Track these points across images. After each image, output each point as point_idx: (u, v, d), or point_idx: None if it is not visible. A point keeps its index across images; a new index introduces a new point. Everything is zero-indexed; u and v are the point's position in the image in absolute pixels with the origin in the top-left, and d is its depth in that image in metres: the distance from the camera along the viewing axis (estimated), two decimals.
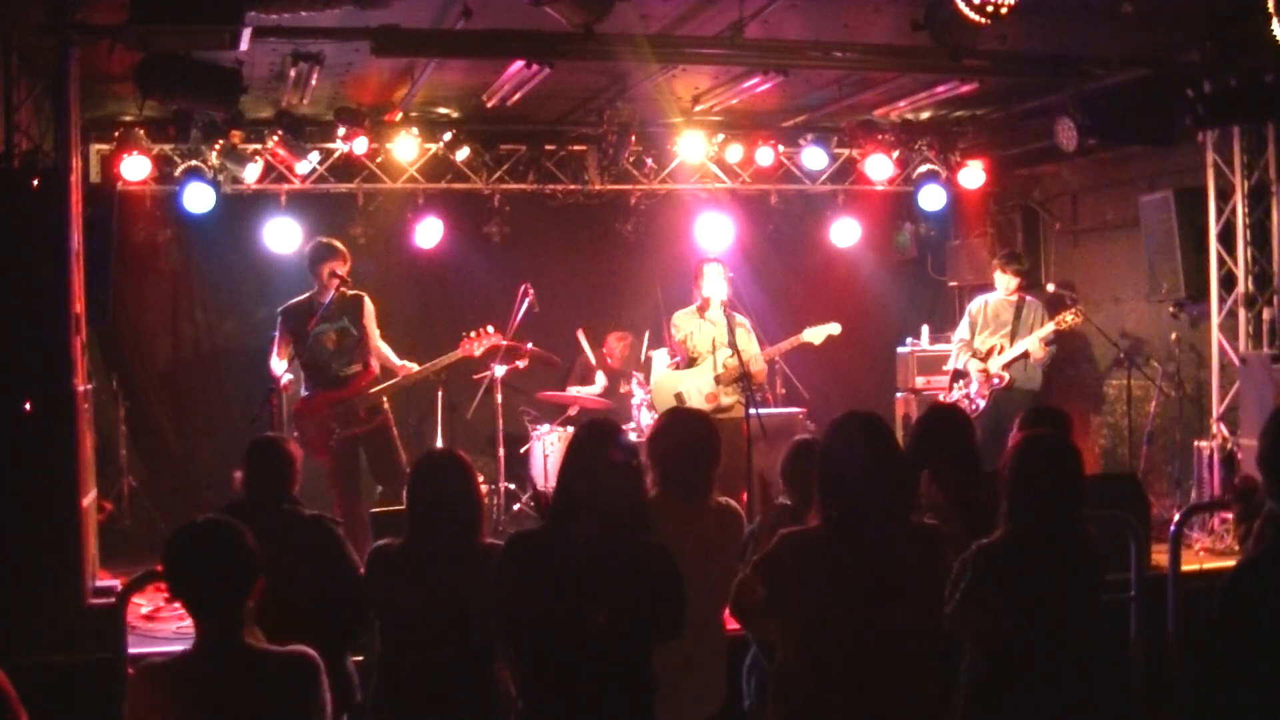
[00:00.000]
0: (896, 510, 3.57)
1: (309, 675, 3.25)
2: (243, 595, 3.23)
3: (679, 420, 4.51)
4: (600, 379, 9.93)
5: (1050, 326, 8.71)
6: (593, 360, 10.05)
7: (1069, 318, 8.71)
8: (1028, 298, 9.04)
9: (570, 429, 8.92)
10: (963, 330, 9.19)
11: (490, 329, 8.44)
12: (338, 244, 8.05)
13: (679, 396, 8.52)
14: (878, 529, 3.51)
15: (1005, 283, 9.00)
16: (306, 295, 8.02)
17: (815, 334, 8.56)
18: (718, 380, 8.31)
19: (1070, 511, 3.78)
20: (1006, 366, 8.79)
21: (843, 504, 3.52)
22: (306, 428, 7.88)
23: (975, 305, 9.20)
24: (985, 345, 8.96)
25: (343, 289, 7.80)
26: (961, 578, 3.66)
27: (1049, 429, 4.42)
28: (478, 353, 8.41)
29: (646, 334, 9.69)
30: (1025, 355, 8.75)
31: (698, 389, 8.43)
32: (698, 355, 8.49)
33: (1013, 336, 8.86)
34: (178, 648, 3.45)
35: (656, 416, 8.64)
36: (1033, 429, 4.46)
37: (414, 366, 8.21)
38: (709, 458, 4.29)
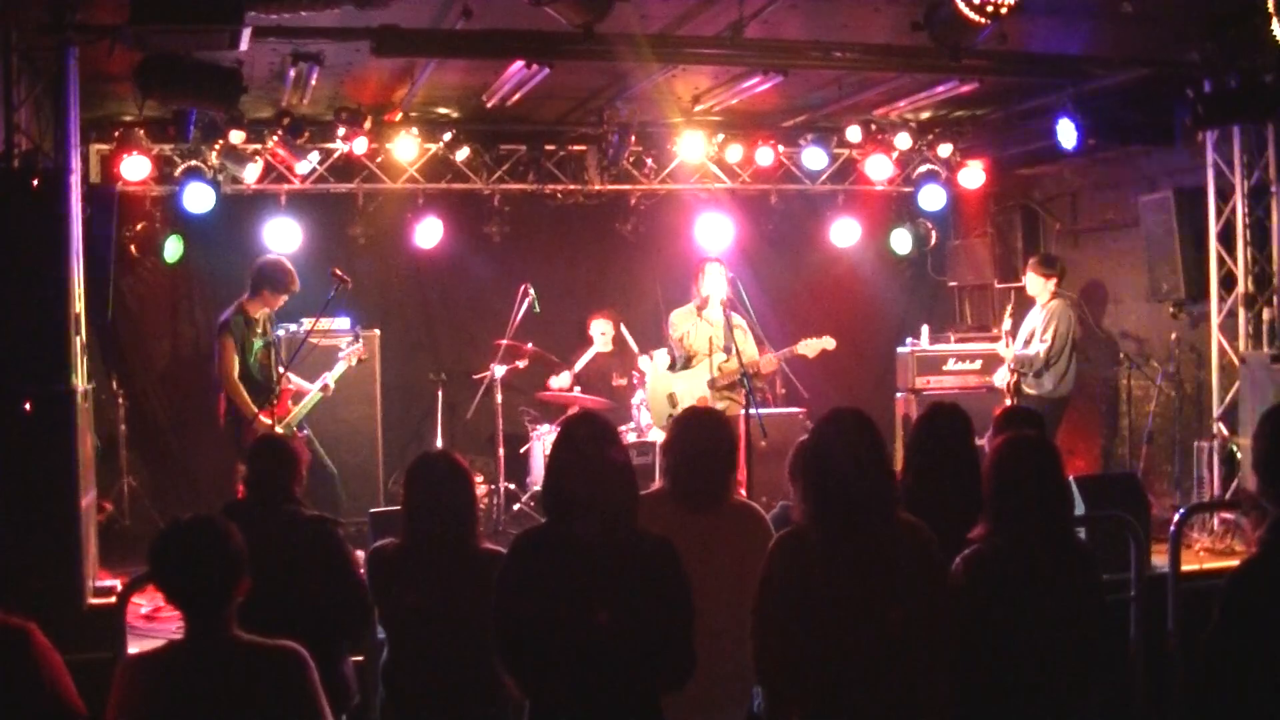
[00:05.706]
0: (885, 507, 3.55)
1: (298, 668, 3.25)
2: (230, 591, 3.24)
3: (694, 422, 4.36)
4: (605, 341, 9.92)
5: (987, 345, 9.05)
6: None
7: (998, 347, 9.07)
8: (1051, 303, 8.95)
9: None
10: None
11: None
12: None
13: (671, 398, 8.51)
14: (868, 526, 3.50)
15: (1035, 286, 9.02)
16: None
17: (809, 347, 8.48)
18: (711, 385, 8.28)
19: (1057, 514, 3.73)
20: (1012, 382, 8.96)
21: (833, 501, 3.51)
22: None
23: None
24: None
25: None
26: (961, 598, 3.59)
27: (1027, 431, 4.36)
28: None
29: (656, 327, 9.60)
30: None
31: (690, 392, 8.42)
32: (694, 354, 8.47)
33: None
34: None
35: (653, 417, 8.70)
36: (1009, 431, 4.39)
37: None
38: (725, 461, 4.23)
